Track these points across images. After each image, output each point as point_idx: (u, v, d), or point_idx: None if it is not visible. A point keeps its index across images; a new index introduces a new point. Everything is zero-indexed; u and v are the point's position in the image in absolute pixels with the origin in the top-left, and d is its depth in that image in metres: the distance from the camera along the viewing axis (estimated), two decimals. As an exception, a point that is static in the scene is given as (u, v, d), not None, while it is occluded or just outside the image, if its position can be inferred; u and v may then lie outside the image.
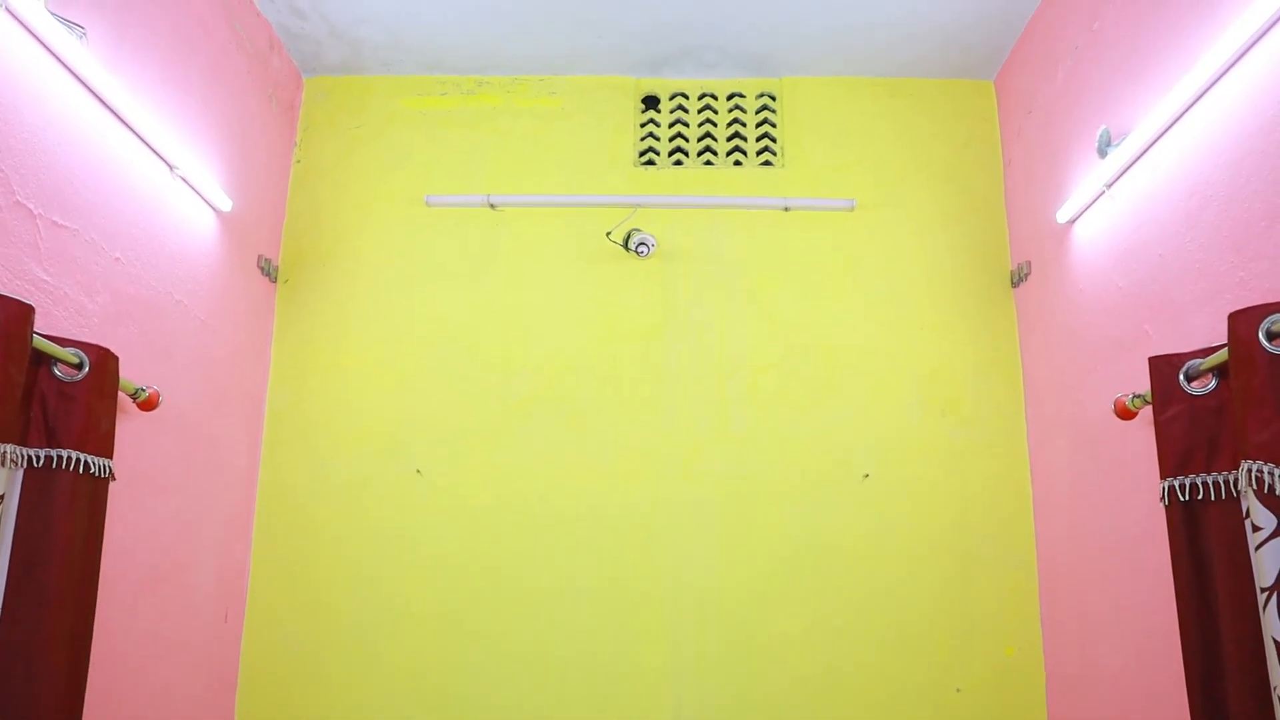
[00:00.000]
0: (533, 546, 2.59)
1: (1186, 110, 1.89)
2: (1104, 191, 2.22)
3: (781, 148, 2.91)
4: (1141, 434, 2.01)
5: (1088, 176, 2.28)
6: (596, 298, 2.78)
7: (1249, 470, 1.42)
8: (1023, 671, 2.52)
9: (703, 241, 2.83)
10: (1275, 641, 1.36)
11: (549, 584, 2.57)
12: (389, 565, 2.59)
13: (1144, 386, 1.96)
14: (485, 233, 2.85)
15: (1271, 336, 1.44)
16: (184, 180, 2.25)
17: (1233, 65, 1.74)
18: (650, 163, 2.92)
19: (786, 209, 2.81)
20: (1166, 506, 1.66)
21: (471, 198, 2.82)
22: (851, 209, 2.80)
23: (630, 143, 2.93)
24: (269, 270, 2.73)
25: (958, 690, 2.49)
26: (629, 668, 2.52)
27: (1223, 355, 1.58)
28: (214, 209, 2.41)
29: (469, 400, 2.70)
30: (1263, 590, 1.39)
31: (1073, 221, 2.40)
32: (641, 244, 2.72)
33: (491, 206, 2.84)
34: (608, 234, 2.80)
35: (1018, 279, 2.74)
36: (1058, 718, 2.45)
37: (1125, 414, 1.96)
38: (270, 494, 2.65)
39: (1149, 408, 1.91)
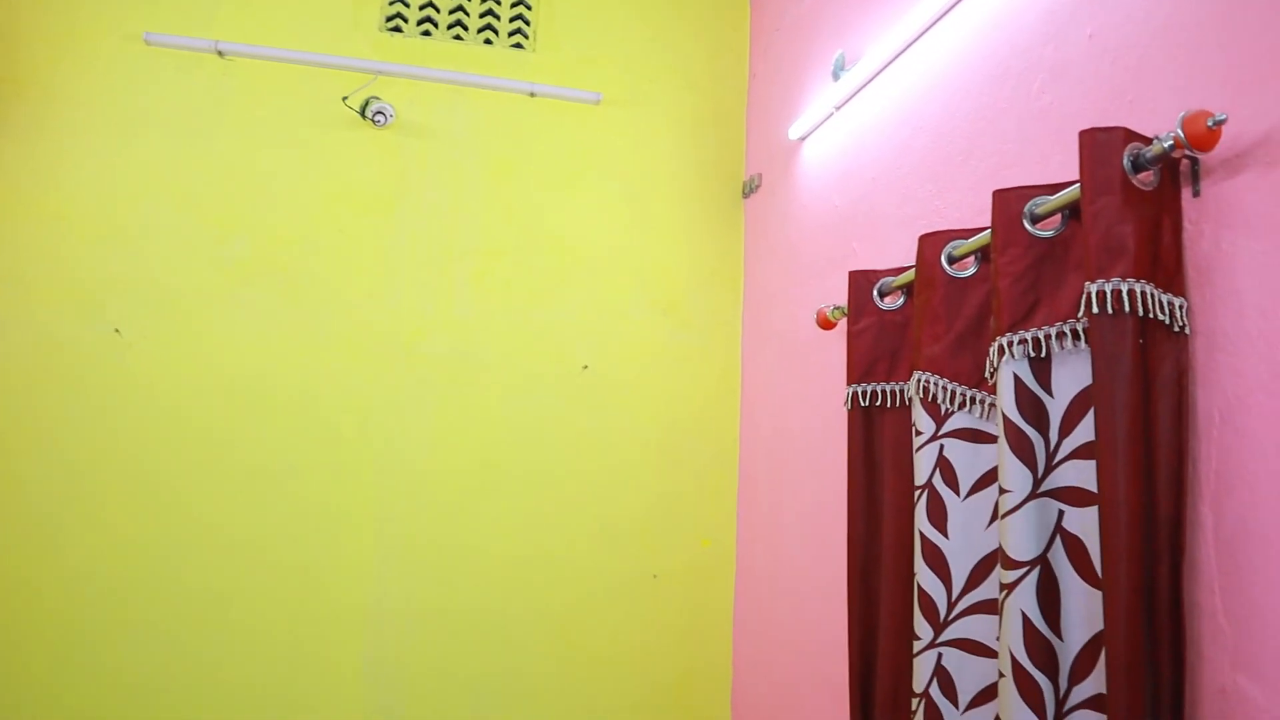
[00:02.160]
0: (241, 420, 2.47)
1: (911, 44, 1.99)
2: (833, 113, 2.32)
3: (534, 31, 2.85)
4: (839, 344, 2.15)
5: (820, 97, 2.37)
6: (327, 165, 2.64)
7: (918, 380, 1.55)
8: (716, 562, 2.69)
9: (444, 119, 2.73)
10: (920, 534, 1.50)
11: (257, 459, 2.46)
12: (81, 432, 2.39)
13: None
14: (211, 82, 2.62)
15: (952, 260, 1.57)
16: None
17: (954, 5, 1.84)
18: (397, 29, 2.78)
19: (533, 94, 2.76)
20: (849, 410, 1.79)
21: (197, 41, 2.58)
22: (597, 103, 2.79)
23: (378, 5, 2.77)
24: (-55, 92, 2.41)
25: (654, 577, 2.63)
26: (335, 548, 2.47)
27: (911, 275, 1.71)
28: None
29: (179, 261, 2.51)
30: (917, 488, 1.53)
31: (803, 139, 2.50)
32: (379, 113, 2.60)
33: (220, 54, 2.61)
34: (344, 99, 2.65)
35: (748, 190, 2.84)
36: (743, 606, 2.64)
37: (826, 324, 2.08)
38: (-63, 347, 2.38)
39: (846, 319, 2.04)
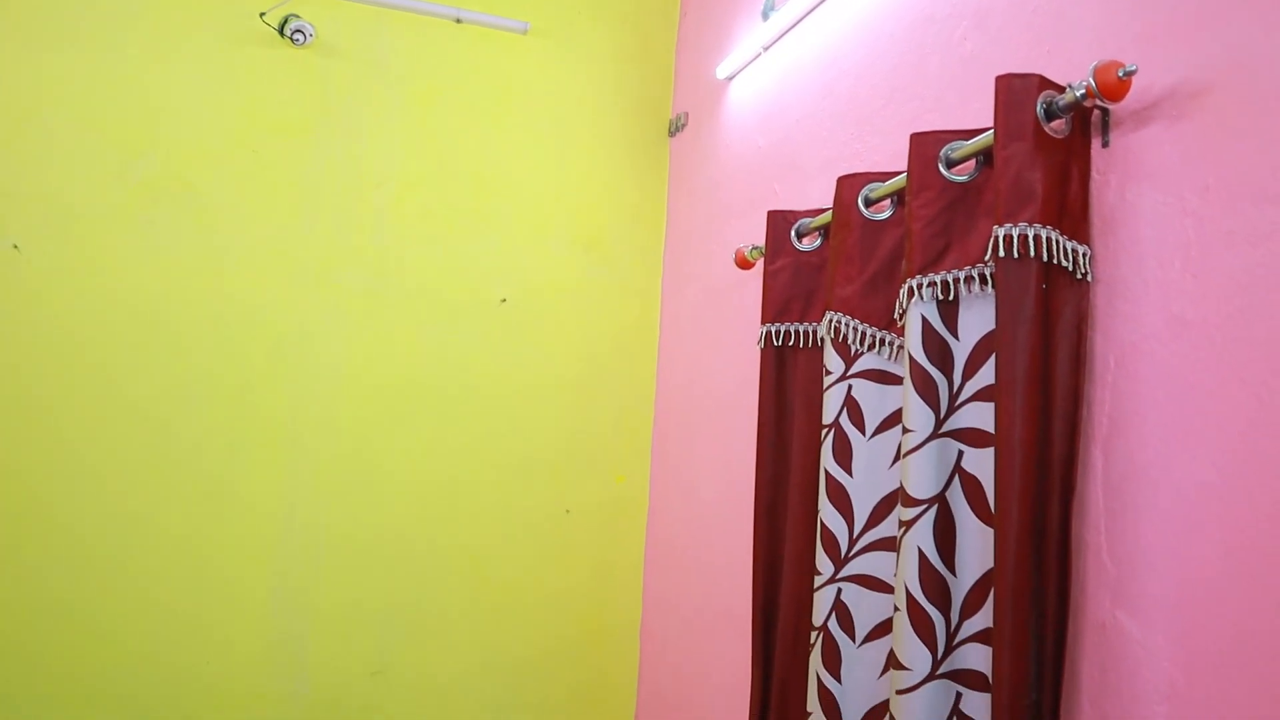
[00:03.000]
0: (144, 343, 2.38)
1: (839, -17, 1.98)
2: (760, 54, 2.31)
3: (462, -46, 2.77)
4: (757, 285, 2.16)
5: (749, 37, 2.35)
6: (241, 84, 2.54)
7: (830, 320, 1.57)
8: (629, 498, 2.71)
9: (366, 41, 2.64)
10: (825, 472, 1.53)
11: (161, 384, 2.38)
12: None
13: (765, 242, 2.10)
14: (117, -13, 2.50)
15: (869, 203, 1.58)
16: None
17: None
18: (318, -57, 2.67)
19: (459, 20, 2.68)
20: (762, 350, 1.81)
21: (105, -52, 2.46)
22: (524, 32, 2.72)
23: (298, -83, 2.66)
24: None
25: (567, 512, 2.64)
26: (243, 477, 2.42)
27: (829, 216, 1.72)
28: None
29: (83, 177, 2.39)
30: (824, 427, 1.55)
31: (730, 79, 2.48)
32: (298, 31, 2.51)
33: (129, -39, 2.49)
34: (262, 15, 2.55)
35: (675, 129, 2.82)
36: (654, 541, 2.67)
37: (744, 264, 2.09)
38: None
39: (764, 259, 2.05)
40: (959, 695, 1.30)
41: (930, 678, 1.30)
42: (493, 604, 2.58)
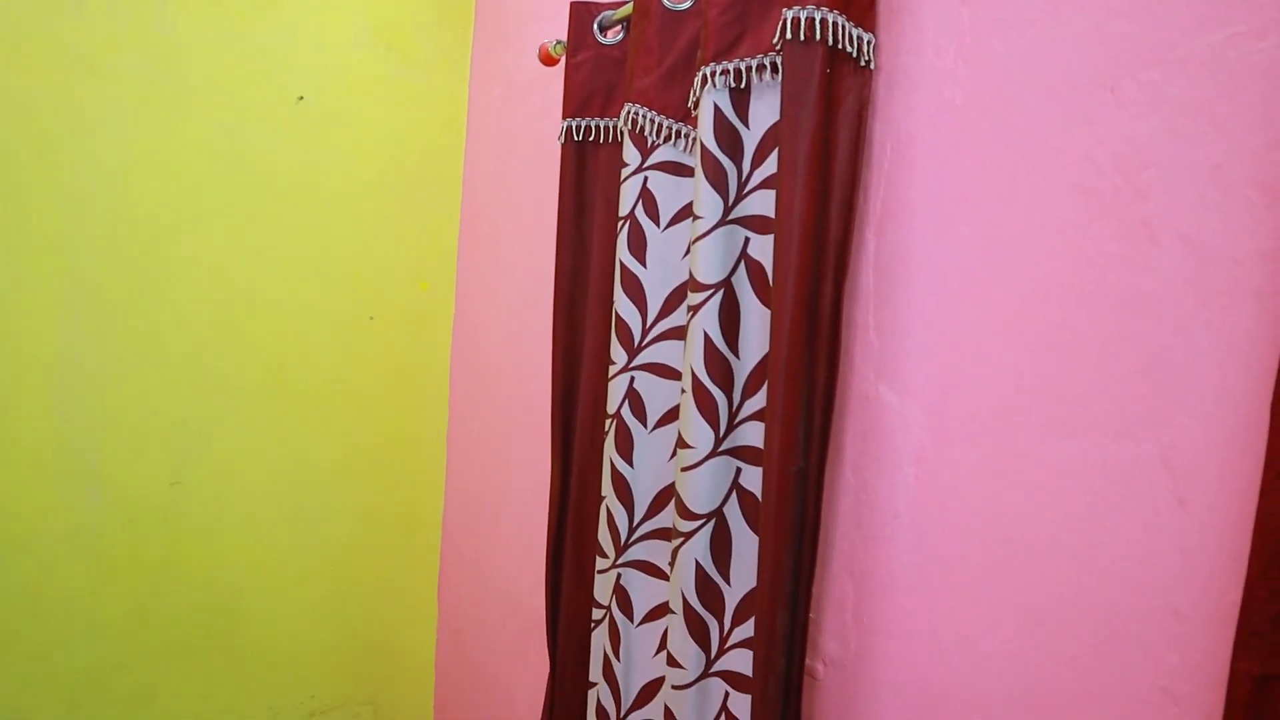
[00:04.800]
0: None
1: None
2: None
3: None
4: (561, 83, 2.11)
5: None
6: None
7: (628, 112, 1.55)
8: (435, 305, 2.68)
9: None
10: (620, 263, 1.55)
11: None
12: None
13: (570, 37, 2.05)
14: None
15: (669, -8, 1.55)
16: None
17: None
18: None
19: None
20: (562, 145, 1.78)
21: None
22: None
23: None
24: None
25: (371, 318, 2.59)
26: (15, 289, 2.25)
27: (631, 8, 1.68)
28: None
29: None
30: (620, 219, 1.56)
31: None
32: None
33: None
34: None
35: (481, -82, 2.67)
36: (461, 347, 2.66)
37: (548, 60, 2.03)
38: None
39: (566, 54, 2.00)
40: (739, 470, 1.38)
41: (713, 454, 1.37)
42: (296, 412, 2.54)
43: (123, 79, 2.34)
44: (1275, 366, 0.81)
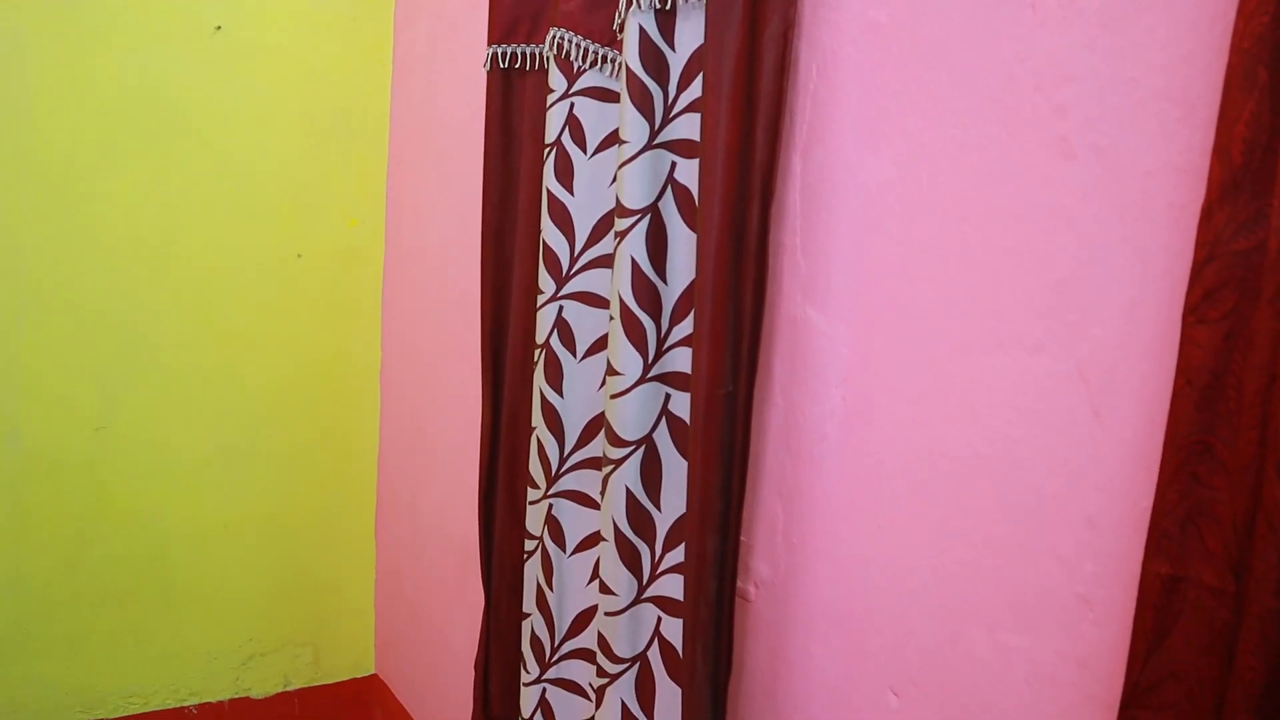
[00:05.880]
0: None
1: None
2: None
3: None
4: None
5: None
6: None
7: (553, 36, 1.52)
8: (364, 242, 2.63)
9: None
10: (548, 191, 1.53)
11: None
12: None
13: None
14: None
15: (593, -89, 1.51)
16: None
17: None
18: None
19: None
20: (488, 73, 1.75)
21: None
22: None
23: None
24: None
25: (299, 256, 2.54)
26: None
27: (556, -70, 1.63)
28: None
29: None
30: (546, 146, 1.53)
31: None
32: None
33: None
34: None
35: None
36: (391, 283, 2.63)
37: (473, -14, 1.98)
38: None
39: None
40: (668, 396, 1.38)
41: (641, 381, 1.36)
42: (223, 354, 2.49)
43: (26, 4, 2.24)
44: (1187, 279, 0.82)
